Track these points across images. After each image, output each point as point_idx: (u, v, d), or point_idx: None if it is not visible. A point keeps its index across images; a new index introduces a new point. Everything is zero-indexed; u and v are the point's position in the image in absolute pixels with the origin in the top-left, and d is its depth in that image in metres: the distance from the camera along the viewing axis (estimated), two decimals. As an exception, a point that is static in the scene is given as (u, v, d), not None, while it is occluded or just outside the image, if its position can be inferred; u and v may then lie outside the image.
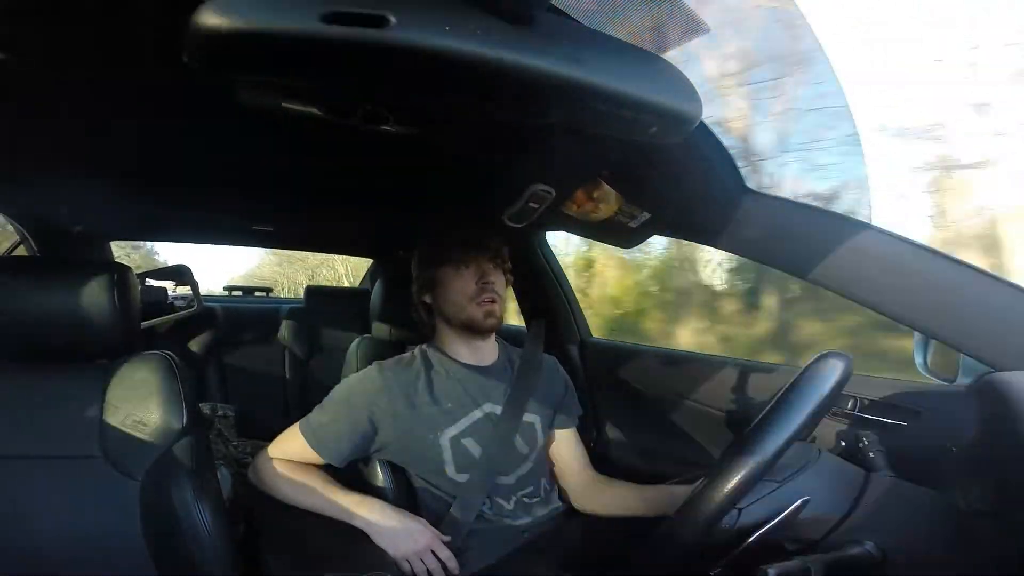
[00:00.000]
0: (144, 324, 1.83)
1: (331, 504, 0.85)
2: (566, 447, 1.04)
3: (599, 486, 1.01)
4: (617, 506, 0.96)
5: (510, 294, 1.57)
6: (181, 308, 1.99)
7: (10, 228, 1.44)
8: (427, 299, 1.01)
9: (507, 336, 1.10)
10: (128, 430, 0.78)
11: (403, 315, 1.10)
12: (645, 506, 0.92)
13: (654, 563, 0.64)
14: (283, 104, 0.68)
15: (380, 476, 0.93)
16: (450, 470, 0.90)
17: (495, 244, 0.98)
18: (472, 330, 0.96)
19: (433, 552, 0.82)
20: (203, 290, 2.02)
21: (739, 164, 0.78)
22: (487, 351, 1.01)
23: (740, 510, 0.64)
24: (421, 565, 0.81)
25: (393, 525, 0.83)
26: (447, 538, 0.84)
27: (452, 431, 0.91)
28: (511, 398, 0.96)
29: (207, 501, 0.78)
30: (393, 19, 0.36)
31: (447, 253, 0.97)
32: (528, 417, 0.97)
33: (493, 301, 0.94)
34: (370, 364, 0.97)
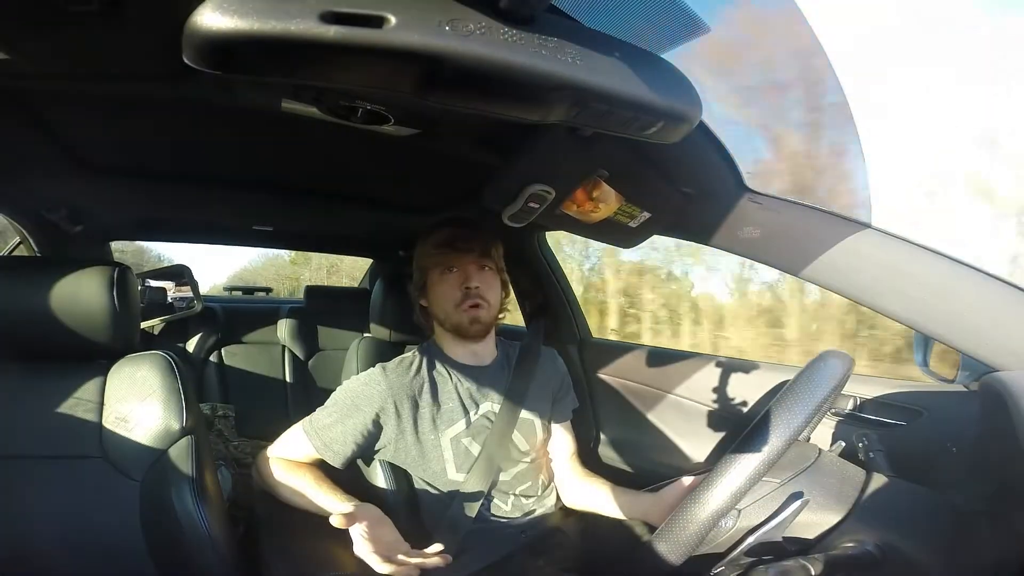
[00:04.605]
0: (144, 324, 1.83)
1: (323, 506, 0.84)
2: (557, 438, 1.04)
3: (581, 480, 1.01)
4: (592, 502, 0.96)
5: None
6: (181, 308, 1.99)
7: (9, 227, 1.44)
8: (423, 302, 1.01)
9: (508, 336, 1.10)
10: (128, 430, 0.78)
11: (403, 315, 1.10)
12: (617, 508, 0.92)
13: (653, 560, 0.64)
14: (283, 104, 0.68)
15: (380, 476, 0.93)
16: (450, 469, 0.90)
17: (481, 244, 0.95)
18: (460, 334, 0.95)
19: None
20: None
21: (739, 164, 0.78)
22: (485, 351, 1.01)
23: (740, 510, 0.64)
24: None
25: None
26: (405, 547, 0.76)
27: (452, 431, 0.92)
28: (509, 393, 0.96)
29: (207, 501, 0.78)
30: (392, 19, 0.36)
31: (433, 256, 0.96)
32: (526, 414, 0.97)
33: (478, 306, 0.93)
34: (369, 364, 0.97)
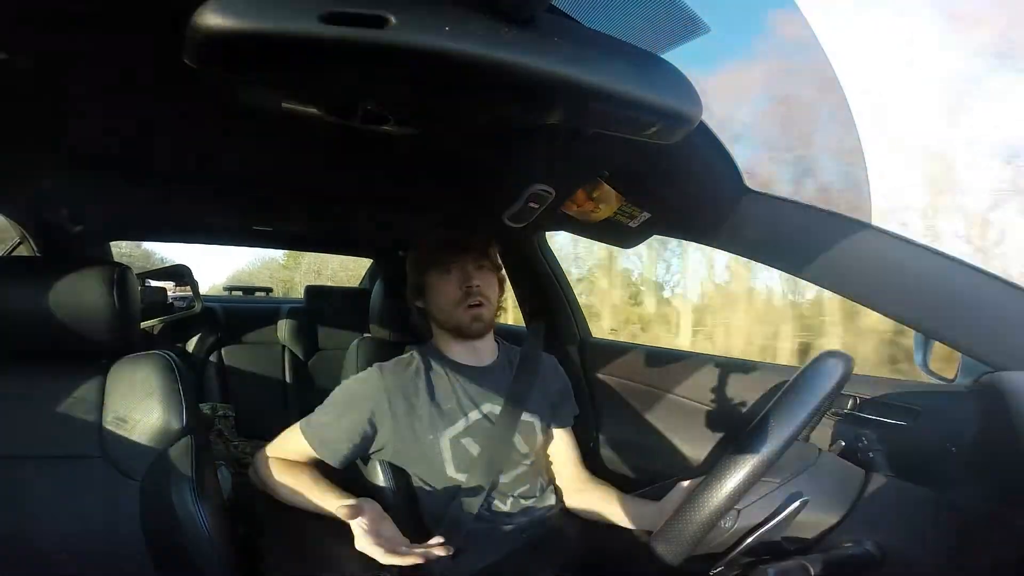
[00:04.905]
0: (144, 324, 1.83)
1: (321, 504, 0.84)
2: (560, 445, 1.04)
3: (587, 485, 1.01)
4: (598, 509, 0.96)
5: (511, 293, 1.57)
6: (181, 308, 1.99)
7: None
8: (419, 304, 1.01)
9: (507, 336, 1.10)
10: (128, 430, 0.78)
11: (403, 315, 1.10)
12: (622, 517, 0.92)
13: (654, 561, 0.64)
14: (283, 104, 0.68)
15: (380, 476, 0.93)
16: (450, 470, 0.90)
17: (480, 245, 0.97)
18: (461, 334, 0.96)
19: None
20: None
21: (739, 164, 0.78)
22: (485, 351, 1.01)
23: (740, 510, 0.64)
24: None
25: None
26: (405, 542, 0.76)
27: (451, 431, 0.92)
28: (510, 397, 0.96)
29: (207, 501, 0.78)
30: (393, 19, 0.36)
31: (432, 257, 0.96)
32: (527, 417, 0.97)
33: (480, 305, 0.94)
34: (369, 364, 0.96)
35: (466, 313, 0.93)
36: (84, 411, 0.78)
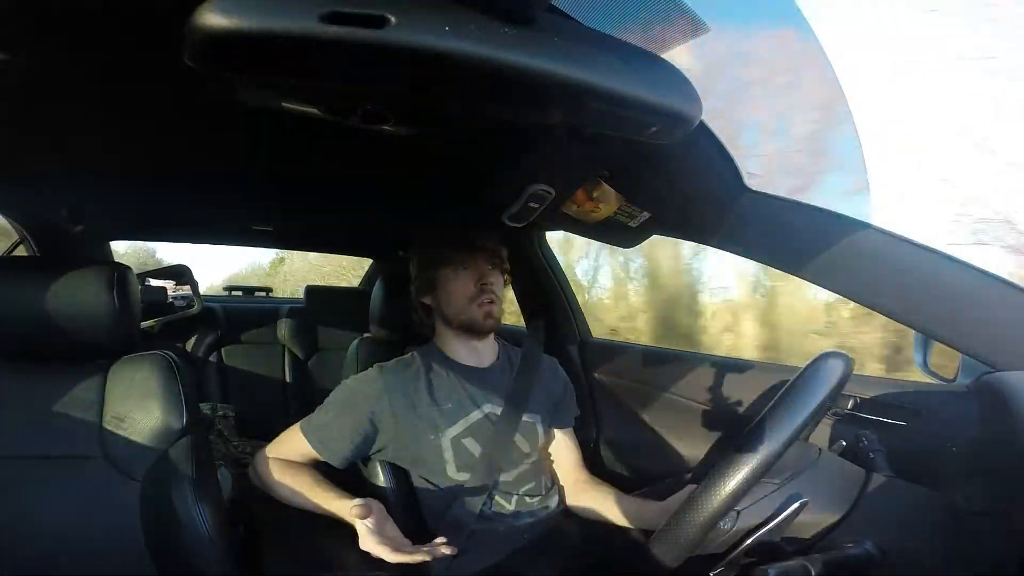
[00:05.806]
0: (144, 324, 1.83)
1: (324, 504, 0.84)
2: (561, 446, 1.04)
3: (588, 486, 1.01)
4: (598, 509, 0.96)
5: (510, 294, 1.57)
6: (181, 308, 1.99)
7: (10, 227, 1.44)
8: (426, 300, 1.01)
9: (507, 336, 1.10)
10: (128, 430, 0.78)
11: (403, 316, 1.10)
12: (624, 517, 0.92)
13: (655, 562, 0.64)
14: (283, 104, 0.68)
15: (381, 476, 0.93)
16: (451, 469, 0.90)
17: (493, 244, 0.98)
18: (471, 331, 0.96)
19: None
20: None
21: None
22: (486, 352, 1.01)
23: (739, 511, 0.64)
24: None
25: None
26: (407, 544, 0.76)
27: (452, 431, 0.92)
28: (510, 398, 0.96)
29: (207, 501, 0.78)
30: (393, 19, 0.36)
31: (446, 255, 0.97)
32: (528, 417, 0.97)
33: (492, 302, 0.95)
34: (369, 364, 0.97)
35: (479, 310, 0.94)
36: (84, 411, 0.78)
